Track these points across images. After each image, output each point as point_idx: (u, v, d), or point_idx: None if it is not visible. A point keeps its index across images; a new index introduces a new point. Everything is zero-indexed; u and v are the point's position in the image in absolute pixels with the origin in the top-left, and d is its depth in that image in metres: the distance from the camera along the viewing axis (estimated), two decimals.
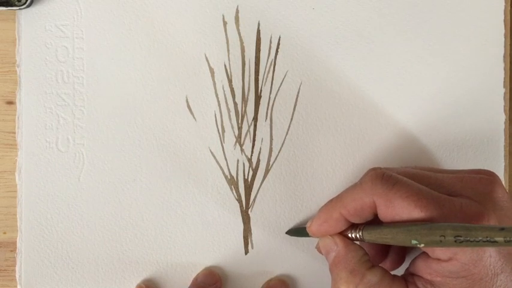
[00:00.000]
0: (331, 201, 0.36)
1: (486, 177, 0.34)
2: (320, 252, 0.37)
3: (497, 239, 0.29)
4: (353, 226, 0.35)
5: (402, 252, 0.38)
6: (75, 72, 0.39)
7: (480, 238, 0.29)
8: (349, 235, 0.35)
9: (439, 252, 0.32)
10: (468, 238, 0.29)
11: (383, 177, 0.33)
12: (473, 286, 0.31)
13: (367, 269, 0.34)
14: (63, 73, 0.39)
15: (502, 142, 0.40)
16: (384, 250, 0.37)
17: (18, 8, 0.38)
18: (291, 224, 0.40)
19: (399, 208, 0.32)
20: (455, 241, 0.29)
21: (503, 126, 0.40)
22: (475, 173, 0.35)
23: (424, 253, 0.33)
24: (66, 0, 0.39)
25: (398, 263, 0.37)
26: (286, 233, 0.39)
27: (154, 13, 0.39)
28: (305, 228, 0.37)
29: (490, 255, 0.31)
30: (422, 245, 0.31)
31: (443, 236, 0.30)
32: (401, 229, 0.32)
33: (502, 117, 0.40)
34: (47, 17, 0.39)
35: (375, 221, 0.34)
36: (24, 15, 0.39)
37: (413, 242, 0.31)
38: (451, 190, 0.33)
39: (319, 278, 0.40)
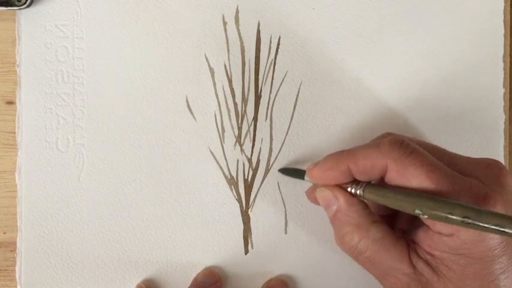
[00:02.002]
0: (341, 152, 0.35)
1: (495, 163, 0.34)
2: (310, 199, 0.37)
3: (507, 230, 0.28)
4: (354, 182, 0.35)
5: (406, 220, 0.37)
6: (75, 72, 0.39)
7: (489, 225, 0.29)
8: (349, 189, 0.35)
9: (440, 226, 0.32)
10: (476, 222, 0.29)
11: (402, 143, 0.33)
12: (471, 264, 0.31)
13: (371, 223, 0.34)
14: (63, 73, 0.39)
15: (502, 142, 0.40)
16: (383, 213, 0.37)
17: (18, 8, 0.38)
18: (290, 224, 0.40)
19: (411, 176, 0.32)
20: (463, 222, 0.29)
21: (503, 126, 0.40)
22: (484, 159, 0.35)
23: (426, 225, 0.33)
24: (66, 0, 0.39)
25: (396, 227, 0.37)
26: (279, 170, 0.39)
27: (154, 13, 0.39)
28: (301, 170, 0.37)
29: (493, 237, 0.31)
30: (425, 217, 0.31)
31: (451, 213, 0.29)
32: (407, 196, 0.32)
33: (502, 117, 0.40)
34: (47, 17, 0.39)
35: (377, 182, 0.34)
36: (24, 15, 0.39)
37: (417, 211, 0.31)
38: (462, 169, 0.33)
39: (319, 278, 0.40)
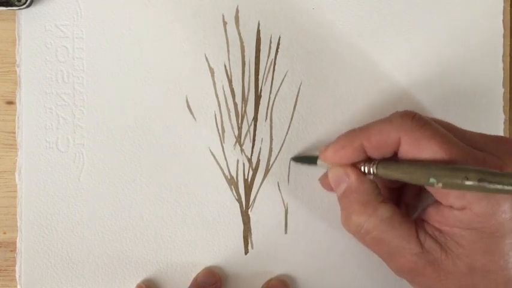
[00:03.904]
0: (353, 130, 0.35)
1: (507, 139, 0.34)
2: (324, 186, 0.37)
3: None
4: (367, 160, 0.34)
5: (411, 202, 0.37)
6: (75, 72, 0.39)
7: (505, 185, 0.29)
8: (362, 168, 0.34)
9: (453, 199, 0.31)
10: (493, 182, 0.29)
11: (414, 116, 0.33)
12: (482, 239, 0.31)
13: (380, 203, 0.34)
14: (63, 73, 0.39)
15: None
16: (393, 196, 0.37)
17: (18, 8, 0.38)
18: (290, 224, 0.40)
19: (424, 148, 0.32)
20: (479, 184, 0.29)
21: (503, 126, 0.40)
22: (495, 136, 0.35)
23: (437, 202, 0.33)
24: (66, 0, 0.39)
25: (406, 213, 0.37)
26: (292, 159, 0.39)
27: (154, 13, 0.39)
28: (313, 156, 0.37)
29: (505, 211, 0.31)
30: (440, 185, 0.30)
31: (466, 178, 0.29)
32: (421, 166, 0.31)
33: (502, 117, 0.40)
34: (47, 17, 0.39)
35: (390, 160, 0.34)
36: (24, 15, 0.39)
37: (432, 180, 0.31)
38: (475, 145, 0.33)
39: (319, 278, 0.40)
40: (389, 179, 0.34)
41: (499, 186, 0.29)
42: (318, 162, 0.37)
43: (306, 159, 0.38)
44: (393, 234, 0.33)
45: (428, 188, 0.33)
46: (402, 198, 0.38)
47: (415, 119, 0.33)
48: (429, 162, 0.32)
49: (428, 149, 0.32)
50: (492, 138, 0.34)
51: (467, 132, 0.34)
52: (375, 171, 0.34)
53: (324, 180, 0.37)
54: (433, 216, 0.33)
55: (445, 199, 0.32)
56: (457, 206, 0.31)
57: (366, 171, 0.34)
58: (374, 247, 0.34)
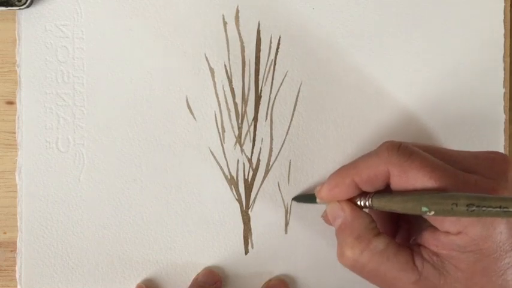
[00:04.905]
0: (344, 166, 0.36)
1: (500, 157, 0.34)
2: (326, 220, 0.37)
3: (511, 209, 0.28)
4: (362, 194, 0.35)
5: (409, 227, 0.37)
6: (75, 72, 0.39)
7: (493, 208, 0.29)
8: (358, 203, 0.35)
9: (448, 224, 0.31)
10: (481, 206, 0.29)
11: (400, 147, 0.33)
12: (480, 261, 0.31)
13: (374, 236, 0.34)
14: (63, 73, 0.39)
15: (502, 142, 0.40)
16: (392, 224, 0.37)
17: (18, 8, 0.38)
18: (290, 224, 0.40)
19: (413, 178, 0.32)
20: (467, 210, 0.29)
21: (503, 126, 0.40)
22: (488, 153, 0.35)
23: (433, 226, 0.33)
24: (66, 0, 0.39)
25: (406, 239, 0.37)
26: (293, 199, 0.39)
27: (154, 13, 0.39)
28: (313, 194, 0.37)
29: (501, 231, 0.31)
30: (432, 213, 0.31)
31: (455, 204, 0.30)
32: (412, 196, 0.32)
33: (502, 117, 0.40)
34: (47, 17, 0.39)
35: (385, 191, 0.34)
36: (24, 15, 0.39)
37: (424, 209, 0.31)
38: (465, 166, 0.33)
39: (319, 278, 0.40)
40: (385, 210, 0.34)
41: (488, 210, 0.29)
42: (317, 200, 0.37)
43: (307, 198, 0.39)
44: (389, 266, 0.33)
45: (424, 215, 0.33)
46: (400, 223, 0.38)
47: (400, 151, 0.33)
48: (421, 192, 0.32)
49: (418, 180, 0.32)
50: (484, 157, 0.34)
51: (457, 153, 0.35)
52: (371, 204, 0.34)
53: (326, 217, 0.38)
54: (430, 240, 0.33)
55: (440, 225, 0.32)
56: (453, 231, 0.32)
57: (362, 204, 0.35)
58: (372, 279, 0.34)
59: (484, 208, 0.29)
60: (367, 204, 0.35)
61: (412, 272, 0.33)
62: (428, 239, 0.33)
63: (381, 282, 0.34)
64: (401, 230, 0.38)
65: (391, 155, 0.33)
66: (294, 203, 0.40)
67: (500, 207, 0.29)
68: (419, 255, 0.33)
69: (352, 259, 0.34)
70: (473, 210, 0.29)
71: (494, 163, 0.34)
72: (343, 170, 0.35)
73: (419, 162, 0.32)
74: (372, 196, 0.34)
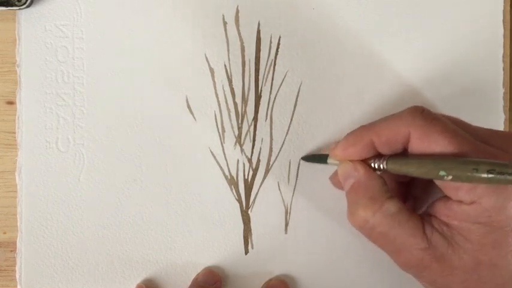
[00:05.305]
0: (363, 126, 0.35)
1: None
2: (334, 182, 0.37)
3: None
4: (376, 156, 0.35)
5: (416, 201, 0.37)
6: (75, 72, 0.39)
7: None
8: (372, 164, 0.34)
9: (463, 193, 0.31)
10: (503, 173, 0.29)
11: (423, 111, 0.33)
12: (490, 234, 0.31)
13: (387, 198, 0.33)
14: (63, 73, 0.39)
15: None
16: (399, 196, 0.37)
17: (18, 8, 0.38)
18: (290, 224, 0.40)
19: (433, 142, 0.32)
20: (487, 176, 0.29)
21: (503, 126, 0.40)
22: (504, 132, 0.35)
23: (445, 196, 0.33)
24: (66, 0, 0.39)
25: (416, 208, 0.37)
26: (302, 158, 0.39)
27: (154, 13, 0.39)
28: (323, 155, 0.37)
29: None
30: (449, 178, 0.30)
31: (476, 170, 0.29)
32: (430, 159, 0.31)
33: (502, 117, 0.40)
34: (47, 17, 0.39)
35: (399, 156, 0.34)
36: (24, 15, 0.39)
37: (441, 173, 0.30)
38: (484, 140, 0.33)
39: (319, 278, 0.40)
40: (399, 174, 0.34)
41: (510, 178, 0.29)
42: (328, 160, 0.37)
43: (316, 158, 0.38)
44: (399, 230, 0.33)
45: (438, 183, 0.33)
46: (410, 192, 0.38)
47: (424, 114, 0.33)
48: (439, 156, 0.32)
49: (438, 143, 0.32)
50: (502, 134, 0.34)
51: (476, 128, 0.34)
52: (385, 166, 0.34)
53: (334, 179, 0.37)
54: (441, 210, 0.33)
55: (454, 194, 0.32)
56: (467, 200, 0.31)
57: (376, 167, 0.34)
58: (380, 242, 0.34)
59: (506, 175, 0.29)
60: (381, 166, 0.34)
61: (422, 239, 0.32)
62: (439, 208, 0.33)
63: (388, 245, 0.34)
64: (409, 202, 0.37)
65: (414, 117, 0.33)
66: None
67: None
68: (430, 224, 0.33)
69: (364, 220, 0.34)
70: (494, 177, 0.29)
71: (511, 140, 0.34)
72: (362, 129, 0.35)
73: (441, 127, 0.32)
74: (388, 158, 0.34)
